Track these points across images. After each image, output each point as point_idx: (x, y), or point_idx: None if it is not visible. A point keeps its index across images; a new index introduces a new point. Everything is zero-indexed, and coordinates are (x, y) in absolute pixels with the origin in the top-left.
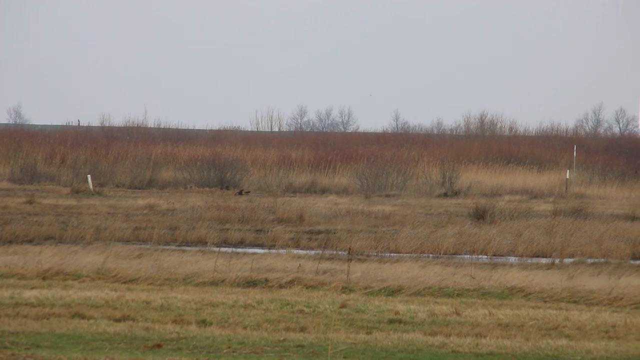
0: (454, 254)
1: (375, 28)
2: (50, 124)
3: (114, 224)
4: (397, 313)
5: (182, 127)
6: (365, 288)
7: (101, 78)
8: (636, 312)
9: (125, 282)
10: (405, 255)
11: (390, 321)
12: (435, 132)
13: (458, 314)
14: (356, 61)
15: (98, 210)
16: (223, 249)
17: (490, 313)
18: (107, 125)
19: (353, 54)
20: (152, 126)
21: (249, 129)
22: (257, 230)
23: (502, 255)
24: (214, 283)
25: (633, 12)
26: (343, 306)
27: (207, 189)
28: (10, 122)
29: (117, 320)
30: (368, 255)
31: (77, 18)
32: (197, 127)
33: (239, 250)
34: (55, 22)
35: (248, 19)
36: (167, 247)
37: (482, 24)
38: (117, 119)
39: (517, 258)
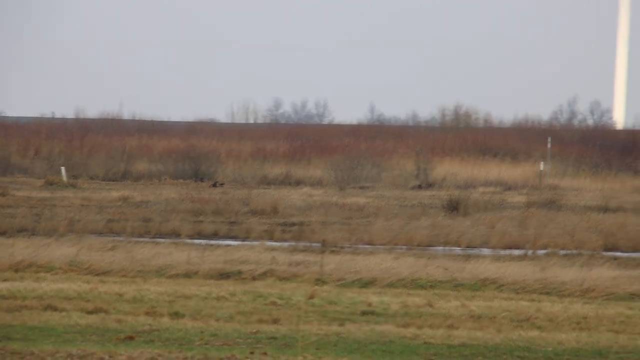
0: (428, 245)
1: (350, 20)
2: (24, 115)
3: (87, 216)
4: (370, 305)
5: (157, 119)
6: (339, 280)
7: (76, 70)
8: (607, 303)
9: (98, 275)
10: (379, 247)
11: (363, 313)
12: (410, 123)
13: (431, 306)
14: (332, 53)
15: (71, 202)
16: (196, 241)
17: (462, 304)
18: (82, 117)
19: (328, 45)
20: (127, 118)
21: (224, 121)
22: (231, 222)
23: (475, 247)
24: (187, 275)
25: (607, 4)
26: (312, 297)
27: (181, 181)
28: None
29: (90, 313)
30: (342, 247)
31: (51, 10)
32: (172, 119)
33: (213, 242)
34: (30, 14)
35: (223, 11)
36: (141, 239)
37: (457, 15)
38: (92, 111)
39: (490, 249)
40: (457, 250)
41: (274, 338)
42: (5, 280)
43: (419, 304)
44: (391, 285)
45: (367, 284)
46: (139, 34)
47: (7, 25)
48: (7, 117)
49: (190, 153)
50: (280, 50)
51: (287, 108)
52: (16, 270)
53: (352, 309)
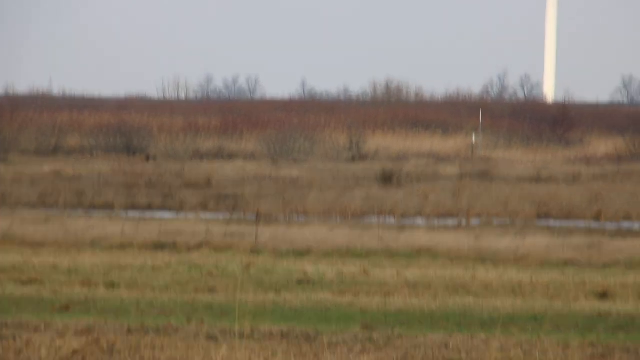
0: (362, 216)
1: None
2: None
3: (19, 190)
4: (305, 274)
5: (88, 95)
6: (274, 250)
7: (3, 46)
8: (541, 270)
9: (32, 247)
10: (313, 218)
11: (299, 282)
12: (342, 98)
13: (366, 274)
14: (263, 28)
15: (3, 176)
16: (130, 214)
17: (398, 273)
18: (11, 93)
19: (259, 20)
20: (58, 94)
21: (155, 97)
22: (165, 195)
23: (409, 217)
24: (122, 247)
25: None
26: (247, 267)
27: (113, 155)
28: None
29: (24, 284)
30: (276, 219)
31: None
32: (103, 95)
33: (147, 214)
34: None
35: None
36: (74, 212)
37: None
38: (22, 88)
39: (424, 219)
40: (392, 220)
41: (211, 307)
42: None
43: (354, 272)
44: (326, 254)
45: (302, 254)
46: (67, 11)
47: None
48: None
49: (122, 128)
50: (210, 26)
51: (218, 84)
52: None
53: (288, 278)
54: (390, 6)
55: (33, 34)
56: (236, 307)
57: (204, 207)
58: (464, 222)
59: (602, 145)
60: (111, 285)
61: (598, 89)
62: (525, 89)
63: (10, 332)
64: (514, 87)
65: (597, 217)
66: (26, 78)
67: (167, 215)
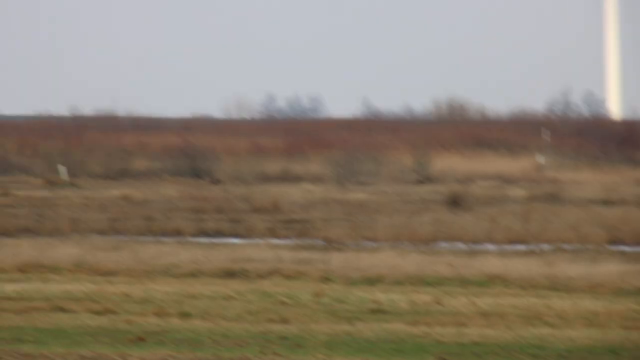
0: (431, 241)
1: (341, 12)
2: (18, 114)
3: (89, 215)
4: (378, 303)
5: (153, 116)
6: (345, 277)
7: (68, 67)
8: (616, 299)
9: (104, 275)
10: (382, 243)
11: (372, 311)
12: (405, 117)
13: (439, 303)
14: (324, 46)
15: (73, 201)
16: (200, 240)
17: (471, 302)
18: (77, 115)
19: (320, 38)
20: (122, 115)
21: (218, 116)
22: (233, 220)
23: (479, 242)
24: (194, 274)
25: None
26: (319, 295)
27: (180, 178)
28: None
29: (99, 314)
30: (345, 244)
31: (41, 9)
32: (167, 115)
33: (216, 240)
34: (20, 11)
35: (213, 5)
36: (144, 239)
37: (448, 6)
38: (86, 109)
39: (494, 245)
40: (461, 245)
41: (285, 338)
42: (12, 281)
43: (427, 301)
44: (398, 282)
45: (373, 281)
46: (129, 32)
47: None
48: (2, 115)
49: (188, 150)
50: (270, 45)
51: (280, 103)
52: (22, 271)
53: (360, 308)
54: (450, 22)
55: (95, 56)
56: (309, 338)
57: (273, 232)
58: (534, 247)
59: None
60: (184, 315)
61: None
62: (589, 105)
63: None
64: (578, 104)
65: None
66: (91, 99)
67: (236, 241)
